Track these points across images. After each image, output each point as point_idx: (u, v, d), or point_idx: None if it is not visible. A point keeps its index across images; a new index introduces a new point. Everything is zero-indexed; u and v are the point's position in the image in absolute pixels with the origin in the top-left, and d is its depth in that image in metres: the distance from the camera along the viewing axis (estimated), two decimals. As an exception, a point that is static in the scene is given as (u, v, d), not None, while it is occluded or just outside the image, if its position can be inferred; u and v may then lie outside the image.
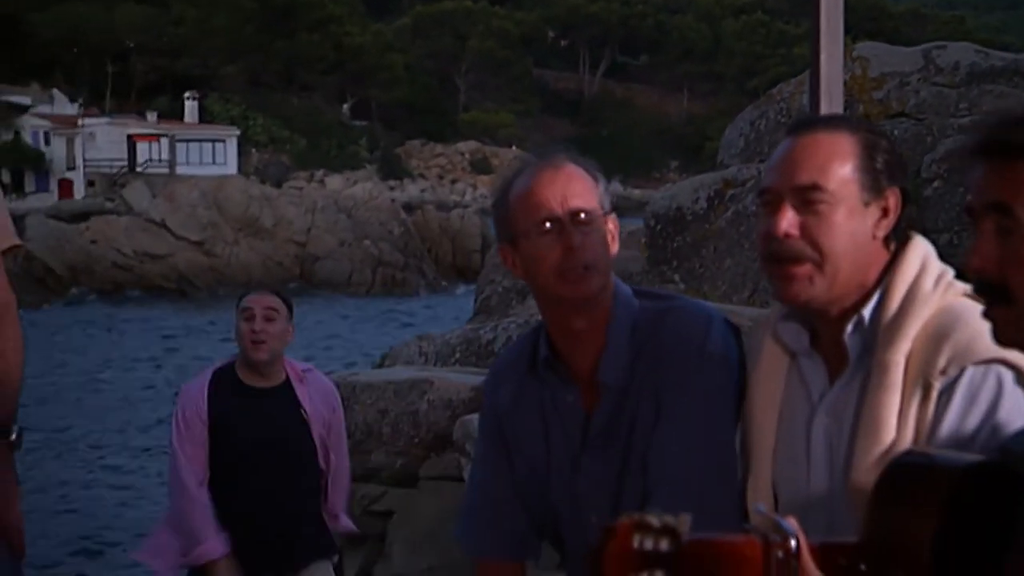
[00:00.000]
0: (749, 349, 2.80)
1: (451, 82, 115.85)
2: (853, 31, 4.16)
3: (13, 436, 3.43)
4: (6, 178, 76.30)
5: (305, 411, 5.23)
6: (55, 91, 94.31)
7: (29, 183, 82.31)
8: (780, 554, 2.17)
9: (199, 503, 5.15)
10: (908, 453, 2.35)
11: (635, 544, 2.13)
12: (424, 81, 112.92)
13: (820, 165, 2.52)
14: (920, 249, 2.56)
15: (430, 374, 7.96)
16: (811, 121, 2.71)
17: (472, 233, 58.11)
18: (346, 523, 5.47)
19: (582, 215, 2.87)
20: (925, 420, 2.44)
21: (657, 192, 12.60)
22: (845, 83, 4.12)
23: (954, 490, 2.21)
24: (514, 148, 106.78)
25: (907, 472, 2.29)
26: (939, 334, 2.44)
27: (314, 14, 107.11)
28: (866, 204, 2.53)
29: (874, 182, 2.53)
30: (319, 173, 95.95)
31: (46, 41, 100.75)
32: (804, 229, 2.50)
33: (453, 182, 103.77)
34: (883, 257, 2.56)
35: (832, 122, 2.66)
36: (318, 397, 5.29)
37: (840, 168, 2.52)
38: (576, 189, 2.88)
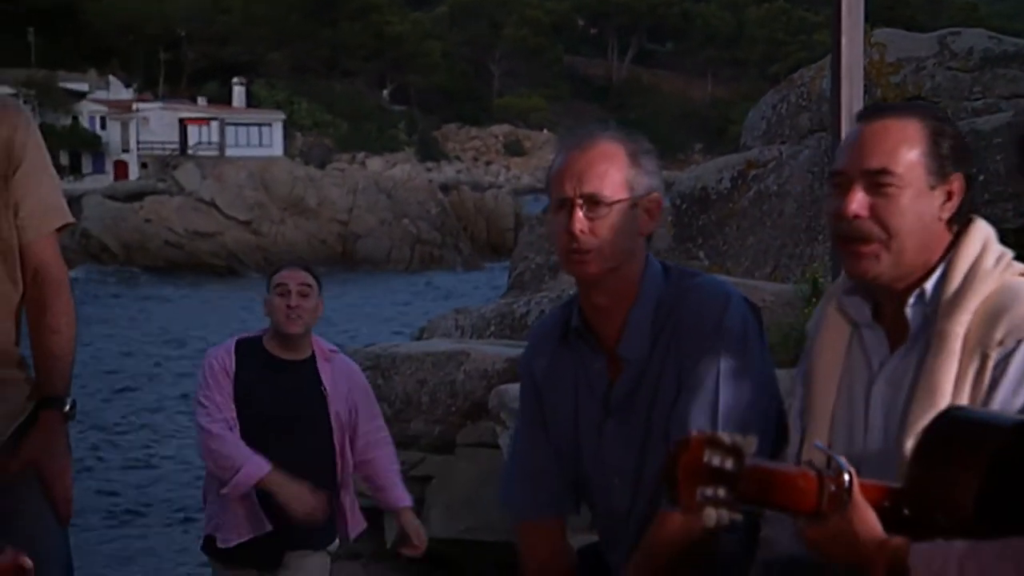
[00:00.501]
0: (816, 322, 2.80)
1: (486, 68, 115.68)
2: (871, 18, 4.13)
3: (67, 407, 3.42)
4: (65, 160, 76.60)
5: (325, 388, 5.11)
6: (111, 77, 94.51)
7: (86, 165, 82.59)
8: (833, 487, 2.20)
9: (228, 436, 5.00)
10: (956, 409, 2.35)
11: (705, 458, 2.15)
12: (460, 67, 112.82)
13: (889, 150, 2.54)
14: (982, 231, 2.59)
15: (466, 346, 7.96)
16: (881, 108, 2.71)
17: (505, 212, 58.09)
18: (402, 494, 5.28)
19: (594, 199, 2.85)
20: (981, 388, 2.46)
21: (683, 173, 12.57)
22: (864, 68, 4.09)
23: (1000, 446, 2.22)
24: (545, 131, 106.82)
25: (954, 427, 2.29)
26: (998, 309, 2.47)
27: (356, 3, 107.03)
28: (932, 188, 2.55)
29: (940, 167, 2.55)
30: (360, 155, 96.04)
31: (103, 30, 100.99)
32: (873, 210, 2.53)
33: (487, 164, 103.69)
34: (946, 238, 2.59)
35: (901, 109, 2.66)
36: (341, 378, 5.17)
37: (908, 153, 2.54)
38: (597, 171, 2.87)
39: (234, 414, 5.05)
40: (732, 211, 9.67)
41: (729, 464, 2.16)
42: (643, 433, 2.93)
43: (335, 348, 5.30)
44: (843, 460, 2.23)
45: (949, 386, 2.47)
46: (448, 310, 10.53)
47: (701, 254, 9.32)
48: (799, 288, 7.65)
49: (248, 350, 5.13)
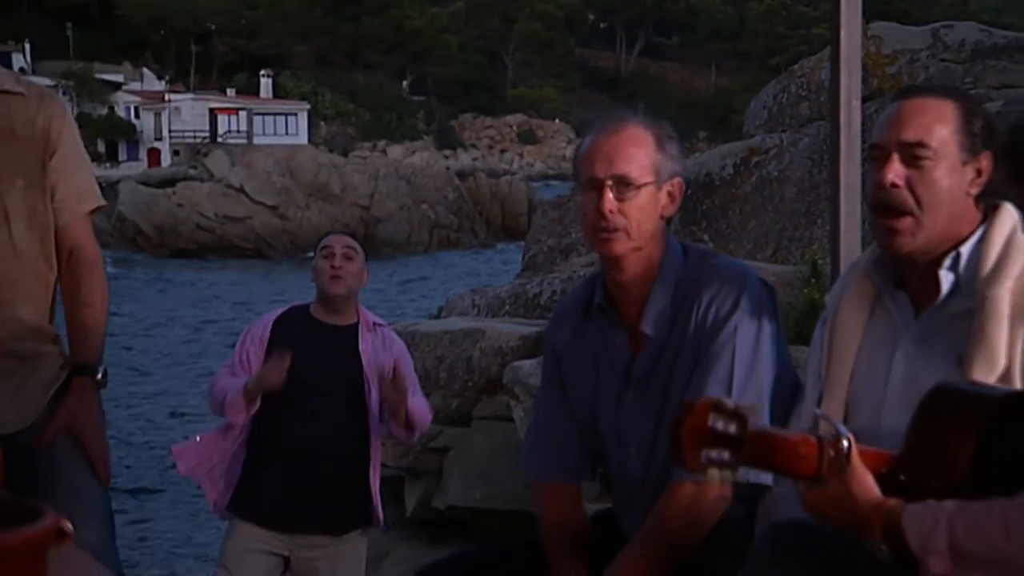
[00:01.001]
0: (842, 286, 2.82)
1: (500, 60, 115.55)
2: (867, 13, 4.13)
3: (99, 375, 3.45)
4: (101, 148, 76.79)
5: (362, 354, 4.84)
6: (145, 69, 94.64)
7: (121, 153, 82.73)
8: (832, 453, 2.20)
9: (221, 380, 4.80)
10: (949, 383, 2.37)
11: (709, 422, 2.16)
12: (476, 60, 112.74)
13: (926, 125, 2.58)
14: (1011, 212, 2.63)
15: (482, 324, 7.97)
16: (918, 88, 2.76)
17: (519, 198, 58.05)
18: (423, 410, 4.86)
19: (624, 181, 2.86)
20: None
21: (688, 160, 12.54)
22: (861, 59, 4.08)
23: (990, 416, 2.22)
24: (557, 121, 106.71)
25: (950, 397, 2.31)
26: None
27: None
28: (963, 163, 2.59)
29: (971, 144, 2.59)
30: (381, 144, 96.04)
31: (137, 24, 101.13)
32: (908, 181, 2.57)
33: (502, 152, 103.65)
34: (975, 215, 2.62)
35: (937, 90, 2.71)
36: (382, 347, 4.90)
37: (943, 129, 2.58)
38: (627, 154, 2.87)
39: (255, 370, 4.81)
40: (735, 196, 9.66)
41: (733, 429, 2.16)
42: (660, 405, 2.94)
43: (383, 322, 5.09)
44: (843, 427, 2.23)
45: (1004, 347, 2.50)
46: (465, 290, 10.54)
47: (706, 237, 9.31)
48: (799, 269, 7.64)
49: (295, 314, 4.96)
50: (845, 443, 2.21)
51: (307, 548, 4.83)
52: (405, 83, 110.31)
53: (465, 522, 7.14)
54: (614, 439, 3.04)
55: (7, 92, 3.41)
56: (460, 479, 7.23)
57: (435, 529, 7.30)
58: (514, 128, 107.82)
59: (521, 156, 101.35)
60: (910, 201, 2.57)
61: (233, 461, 4.88)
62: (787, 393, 2.91)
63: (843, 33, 3.88)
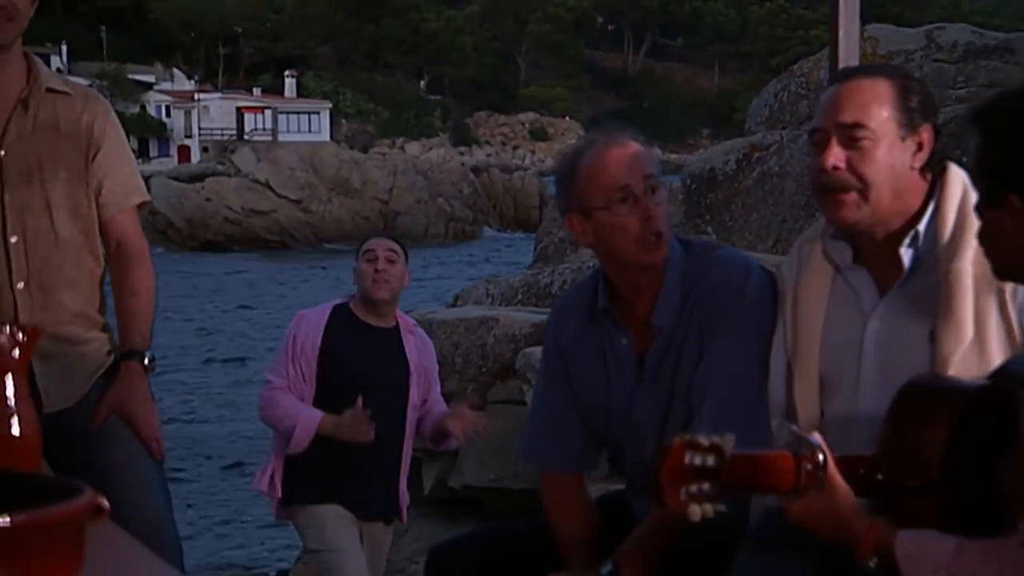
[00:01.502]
0: (797, 261, 2.78)
1: (513, 61, 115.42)
2: (864, 15, 4.12)
3: (147, 360, 3.46)
4: (133, 145, 75.78)
5: (408, 357, 4.76)
6: (175, 70, 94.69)
7: (153, 149, 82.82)
8: (809, 466, 2.18)
9: (282, 398, 4.66)
10: (920, 378, 2.34)
11: (687, 460, 2.14)
12: (490, 60, 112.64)
13: (862, 106, 2.54)
14: (958, 174, 2.58)
15: (496, 313, 7.96)
16: (853, 70, 2.73)
17: (531, 192, 58.06)
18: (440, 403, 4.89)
19: (653, 186, 2.86)
20: (1011, 319, 2.48)
21: (692, 156, 12.56)
22: (859, 59, 4.07)
23: (962, 410, 2.20)
24: (567, 119, 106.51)
25: (921, 394, 2.28)
26: None
27: (396, 2, 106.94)
28: (903, 139, 2.55)
29: (909, 120, 2.55)
30: (400, 141, 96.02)
31: (167, 27, 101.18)
32: (849, 162, 2.53)
33: (515, 148, 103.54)
34: (922, 186, 2.59)
35: (871, 70, 2.69)
36: (425, 349, 4.88)
37: (879, 109, 2.54)
38: (644, 162, 2.88)
39: (308, 377, 4.70)
40: (737, 190, 9.64)
41: (711, 461, 2.14)
42: (668, 392, 2.93)
43: (415, 323, 5.01)
44: (817, 439, 2.20)
45: (971, 318, 2.47)
46: (479, 279, 10.54)
47: (709, 229, 9.28)
48: (798, 260, 7.62)
49: (339, 314, 4.80)
50: (820, 456, 2.18)
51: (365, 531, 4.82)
52: (422, 83, 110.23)
53: (480, 501, 7.13)
54: (629, 432, 3.03)
55: (53, 91, 3.42)
56: (475, 460, 7.22)
57: (451, 507, 7.29)
58: (526, 126, 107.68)
59: (533, 152, 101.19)
60: (852, 180, 2.54)
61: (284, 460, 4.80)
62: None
63: (841, 34, 3.87)
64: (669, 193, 9.70)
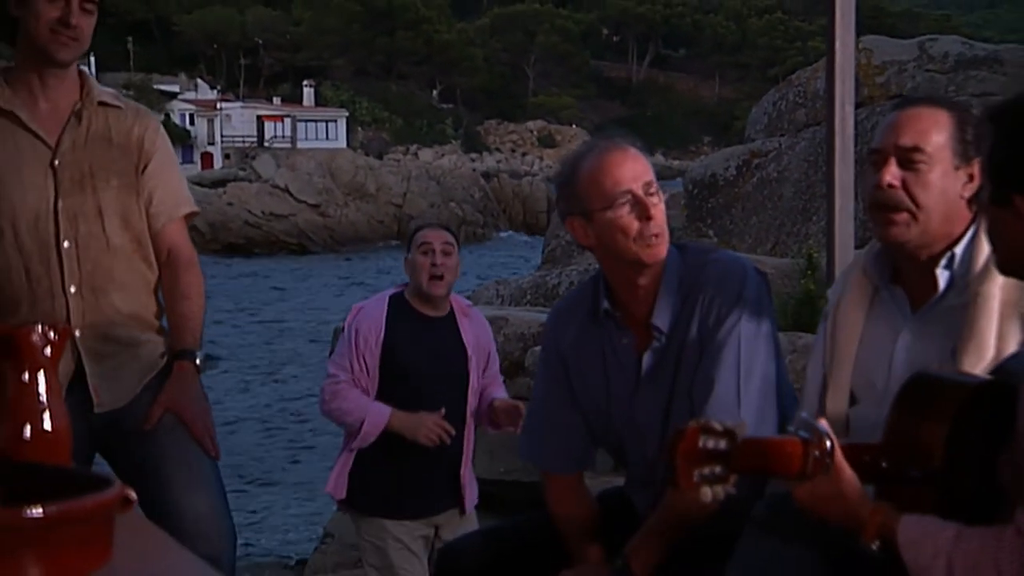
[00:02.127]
0: (842, 284, 2.81)
1: (522, 71, 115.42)
2: (859, 27, 4.12)
3: (198, 360, 3.47)
4: (158, 152, 76.88)
5: (466, 344, 4.54)
6: (198, 80, 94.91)
7: (177, 156, 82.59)
8: (816, 453, 2.18)
9: (347, 393, 4.46)
10: (927, 372, 2.35)
11: (700, 444, 2.15)
12: (499, 71, 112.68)
13: (922, 131, 2.56)
14: None
15: (506, 312, 7.96)
16: (916, 99, 2.74)
17: (539, 197, 58.03)
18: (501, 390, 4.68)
19: (652, 188, 2.85)
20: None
21: (694, 162, 12.55)
22: (854, 69, 4.07)
23: (965, 403, 2.20)
24: (574, 126, 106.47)
25: (926, 387, 2.29)
26: None
27: (409, 15, 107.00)
28: (956, 168, 2.57)
29: (964, 151, 2.57)
30: (413, 147, 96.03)
31: (191, 39, 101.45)
32: (904, 183, 2.55)
33: (523, 155, 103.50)
34: (967, 215, 2.59)
35: (933, 100, 2.68)
36: (481, 331, 4.64)
37: (937, 136, 2.56)
38: (643, 166, 2.87)
39: (371, 371, 4.50)
40: (737, 195, 9.64)
41: (723, 445, 2.16)
42: (668, 394, 2.91)
43: (470, 304, 4.79)
44: (825, 426, 2.21)
45: (993, 339, 2.49)
46: (490, 281, 10.55)
47: (711, 232, 9.29)
48: (796, 262, 7.62)
49: (396, 305, 4.56)
50: (828, 443, 2.18)
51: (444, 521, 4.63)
52: (435, 92, 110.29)
53: (491, 493, 7.13)
54: (630, 430, 3.01)
55: (106, 104, 3.44)
56: (485, 453, 7.23)
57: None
58: (535, 133, 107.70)
59: (541, 159, 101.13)
60: (906, 200, 2.55)
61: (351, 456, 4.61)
62: (783, 371, 2.92)
63: (838, 46, 3.87)
64: (671, 198, 9.75)
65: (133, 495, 1.54)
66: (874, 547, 2.19)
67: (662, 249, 2.86)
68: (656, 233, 2.84)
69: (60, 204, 3.34)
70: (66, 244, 3.34)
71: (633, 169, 2.85)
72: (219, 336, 26.88)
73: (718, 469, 2.16)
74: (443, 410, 4.43)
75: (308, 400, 18.59)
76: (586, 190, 2.86)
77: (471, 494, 4.66)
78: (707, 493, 2.16)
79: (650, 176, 2.87)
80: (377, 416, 4.43)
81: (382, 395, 4.48)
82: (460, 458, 4.58)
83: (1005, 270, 2.25)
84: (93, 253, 3.36)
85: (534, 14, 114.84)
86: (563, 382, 3.08)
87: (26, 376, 1.63)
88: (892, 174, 2.55)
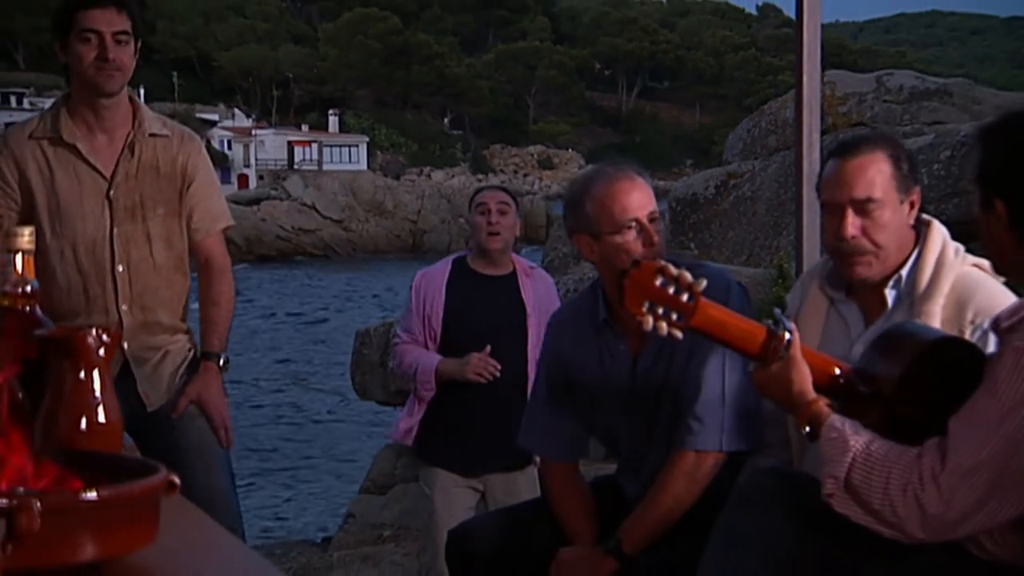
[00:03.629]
0: (800, 294, 2.81)
1: (523, 101, 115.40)
2: (823, 63, 4.13)
3: (222, 361, 3.51)
4: (200, 173, 76.70)
5: (526, 303, 4.34)
6: (235, 110, 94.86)
7: (216, 177, 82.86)
8: (775, 343, 2.25)
9: (409, 348, 4.34)
10: (903, 323, 2.40)
11: (656, 282, 2.20)
12: (503, 101, 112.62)
13: (869, 181, 2.56)
14: (940, 230, 2.63)
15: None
16: (850, 144, 2.67)
17: (539, 213, 57.77)
18: None
19: (655, 216, 2.87)
20: None
21: (677, 182, 12.54)
22: (820, 101, 4.07)
23: (923, 349, 2.25)
24: (570, 150, 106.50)
25: (899, 332, 2.34)
26: (965, 295, 2.50)
27: (423, 52, 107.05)
28: (901, 202, 2.58)
29: (903, 184, 2.59)
30: (427, 169, 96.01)
31: (229, 73, 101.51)
32: (864, 230, 2.56)
33: (525, 176, 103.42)
34: (911, 236, 2.61)
35: (867, 143, 2.64)
36: (544, 290, 4.41)
37: (883, 180, 2.56)
38: (648, 195, 2.87)
39: (435, 331, 4.34)
40: (716, 212, 9.63)
41: (684, 297, 2.18)
42: (658, 393, 2.92)
43: (534, 265, 4.56)
44: (790, 323, 2.27)
45: None
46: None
47: (692, 245, 9.28)
48: (768, 272, 7.61)
49: (458, 268, 4.41)
50: (787, 336, 2.23)
51: (491, 483, 4.44)
52: (446, 120, 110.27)
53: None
54: (622, 425, 3.01)
55: (155, 135, 3.46)
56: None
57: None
58: (535, 156, 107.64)
59: (540, 179, 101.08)
60: (868, 245, 2.56)
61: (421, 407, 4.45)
62: None
63: (805, 79, 3.88)
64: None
65: (177, 480, 1.54)
66: (805, 431, 2.24)
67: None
68: (657, 256, 2.85)
69: (115, 231, 3.38)
70: (120, 268, 3.38)
71: (640, 199, 2.85)
72: (252, 335, 26.92)
73: (674, 316, 2.18)
74: (488, 347, 4.26)
75: (334, 391, 18.53)
76: (596, 213, 2.85)
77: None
78: (648, 322, 2.18)
79: (654, 205, 2.87)
80: (427, 365, 4.31)
81: (445, 352, 4.32)
82: (519, 416, 4.44)
83: (997, 269, 2.30)
84: (142, 275, 3.41)
85: (534, 51, 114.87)
86: (562, 380, 3.07)
87: (82, 374, 1.63)
88: (854, 225, 2.55)
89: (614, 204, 2.83)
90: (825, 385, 2.28)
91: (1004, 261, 2.21)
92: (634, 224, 2.83)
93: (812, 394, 2.25)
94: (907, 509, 2.06)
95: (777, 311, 2.33)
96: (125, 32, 3.30)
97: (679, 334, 2.22)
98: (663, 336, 2.90)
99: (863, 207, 2.55)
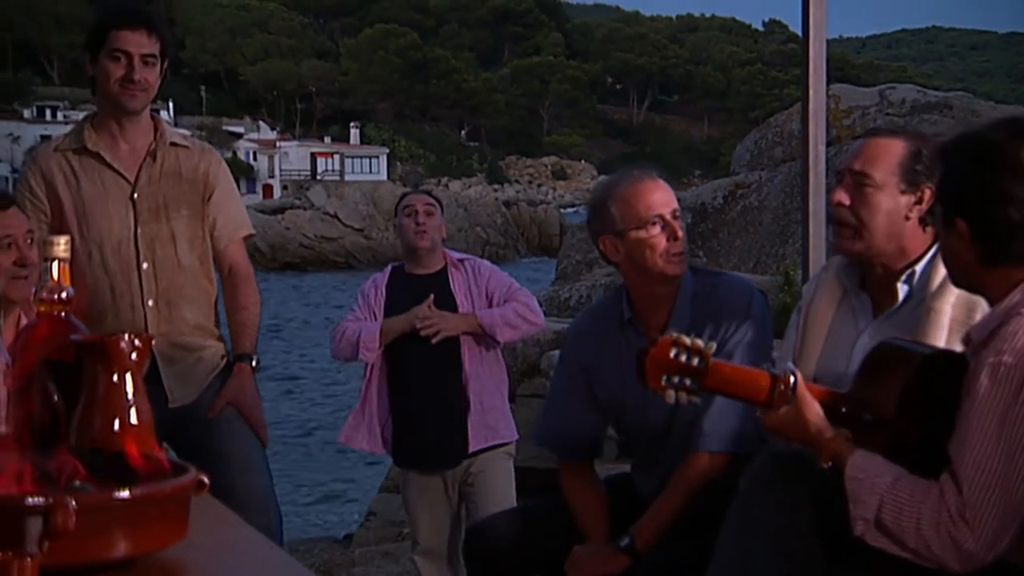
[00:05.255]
0: (815, 284, 2.78)
1: (537, 114, 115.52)
2: (828, 77, 4.12)
3: (254, 362, 3.52)
4: (226, 183, 76.97)
5: (454, 293, 4.28)
6: (261, 122, 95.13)
7: (242, 187, 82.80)
8: (782, 386, 2.21)
9: (347, 324, 4.27)
10: (889, 339, 2.36)
11: (672, 354, 2.19)
12: (519, 113, 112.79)
13: (871, 158, 2.54)
14: None
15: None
16: (880, 129, 2.76)
17: (552, 222, 58.01)
18: (491, 317, 4.23)
19: (677, 213, 2.87)
20: None
21: (686, 192, 12.53)
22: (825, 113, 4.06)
23: (917, 367, 2.22)
24: (583, 161, 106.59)
25: (888, 351, 2.30)
26: (976, 297, 2.41)
27: (441, 67, 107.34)
28: (902, 192, 2.53)
29: (911, 176, 2.53)
30: (444, 180, 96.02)
31: (255, 87, 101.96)
32: (852, 202, 2.54)
33: (539, 186, 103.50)
34: (922, 235, 2.56)
35: (893, 131, 2.67)
36: (474, 278, 4.33)
37: (885, 163, 2.53)
38: (670, 195, 2.89)
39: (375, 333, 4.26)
40: (724, 221, 9.62)
41: (696, 362, 2.18)
42: None
43: (468, 256, 4.50)
44: (792, 366, 2.25)
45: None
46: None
47: (701, 253, 9.27)
48: (774, 279, 7.61)
49: (396, 276, 4.39)
50: (792, 379, 2.20)
51: (460, 476, 4.33)
52: (463, 132, 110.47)
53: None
54: (640, 424, 3.00)
55: (177, 145, 3.49)
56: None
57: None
58: (548, 167, 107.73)
59: (554, 189, 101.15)
60: (850, 218, 2.54)
61: (381, 415, 4.33)
62: None
63: (811, 93, 3.87)
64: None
65: (206, 480, 1.54)
66: (826, 467, 2.20)
67: (683, 266, 2.88)
68: (679, 252, 2.86)
69: (139, 231, 3.40)
70: (145, 266, 3.39)
71: (663, 197, 2.87)
72: (279, 338, 26.97)
73: (688, 382, 2.19)
74: (432, 296, 4.19)
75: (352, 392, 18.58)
76: (621, 212, 2.87)
77: (482, 438, 4.30)
78: (672, 395, 2.19)
79: (675, 204, 2.89)
80: (371, 327, 4.22)
81: (387, 352, 4.26)
82: (465, 414, 4.27)
83: (957, 284, 2.26)
84: (167, 273, 3.42)
85: (548, 65, 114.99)
86: (581, 380, 3.07)
87: (115, 377, 1.64)
88: (840, 195, 2.54)
89: (639, 201, 2.85)
90: (830, 420, 2.25)
91: (964, 276, 2.20)
92: (658, 220, 2.84)
93: (830, 431, 2.21)
94: (943, 548, 2.04)
95: (775, 354, 2.32)
96: (153, 55, 3.34)
97: (697, 400, 2.24)
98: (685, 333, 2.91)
99: (858, 180, 2.54)
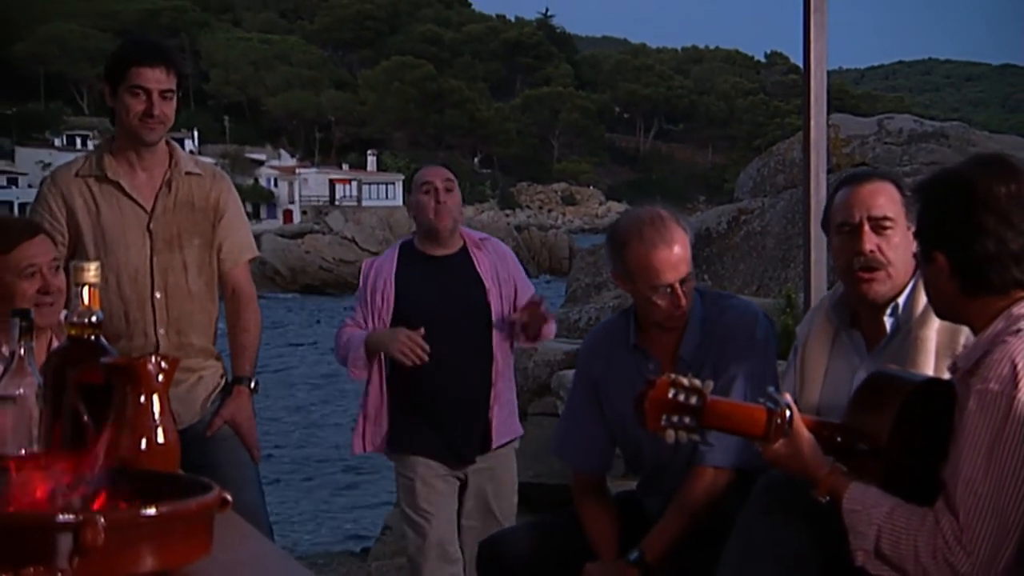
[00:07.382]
0: (808, 324, 2.80)
1: (548, 142, 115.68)
2: (828, 106, 4.13)
3: (252, 384, 3.55)
4: (248, 209, 76.37)
5: (481, 275, 3.86)
6: (281, 150, 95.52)
7: (263, 212, 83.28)
8: (778, 420, 2.21)
9: (347, 333, 3.91)
10: (882, 370, 2.38)
11: (670, 395, 2.20)
12: (530, 142, 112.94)
13: (885, 203, 2.59)
14: None
15: (535, 343, 7.93)
16: (863, 175, 2.72)
17: (562, 246, 58.00)
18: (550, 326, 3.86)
19: (686, 279, 2.87)
20: None
21: (691, 217, 12.53)
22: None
23: (908, 396, 2.24)
24: (591, 187, 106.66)
25: (879, 381, 2.31)
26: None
27: (455, 97, 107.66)
28: (908, 228, 2.60)
29: (909, 212, 2.60)
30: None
31: (276, 116, 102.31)
32: (879, 247, 2.58)
33: (549, 211, 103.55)
34: (913, 264, 2.61)
35: (875, 174, 2.71)
36: (500, 260, 3.92)
37: (895, 204, 2.61)
38: (682, 256, 2.84)
39: (385, 321, 3.85)
40: (728, 246, 9.61)
41: (693, 400, 2.19)
42: None
43: (486, 236, 4.07)
44: (788, 399, 2.25)
45: (930, 374, 2.48)
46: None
47: (706, 277, 9.25)
48: (776, 302, 7.59)
49: (405, 251, 3.93)
50: (788, 412, 2.21)
51: (472, 472, 3.99)
52: (476, 159, 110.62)
53: (523, 493, 7.12)
54: (649, 443, 2.99)
55: (190, 173, 3.51)
56: (518, 460, 7.22)
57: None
58: (558, 193, 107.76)
59: (564, 214, 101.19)
60: (883, 261, 2.58)
61: (383, 408, 3.93)
62: None
63: (812, 123, 3.88)
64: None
65: (229, 498, 1.54)
66: (824, 500, 2.21)
67: (683, 317, 2.90)
68: (681, 312, 2.88)
69: (155, 260, 3.42)
70: (158, 295, 3.42)
71: (676, 265, 2.84)
72: (296, 358, 26.97)
73: (688, 420, 2.20)
74: (422, 329, 3.72)
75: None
76: (633, 270, 2.88)
77: (503, 432, 3.98)
78: (671, 435, 2.20)
79: (687, 267, 2.86)
80: (358, 337, 3.83)
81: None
82: (488, 401, 3.89)
83: (941, 315, 2.29)
84: (178, 301, 3.44)
85: (558, 95, 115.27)
86: (593, 398, 3.09)
87: (143, 398, 1.64)
88: (872, 241, 2.57)
89: (649, 269, 2.85)
90: (826, 450, 2.26)
91: (947, 308, 2.22)
92: (667, 290, 2.86)
93: (826, 465, 2.22)
94: (941, 574, 2.05)
95: (771, 389, 2.33)
96: (171, 89, 3.36)
97: (696, 437, 2.24)
98: (690, 360, 2.91)
99: (879, 224, 2.58)
